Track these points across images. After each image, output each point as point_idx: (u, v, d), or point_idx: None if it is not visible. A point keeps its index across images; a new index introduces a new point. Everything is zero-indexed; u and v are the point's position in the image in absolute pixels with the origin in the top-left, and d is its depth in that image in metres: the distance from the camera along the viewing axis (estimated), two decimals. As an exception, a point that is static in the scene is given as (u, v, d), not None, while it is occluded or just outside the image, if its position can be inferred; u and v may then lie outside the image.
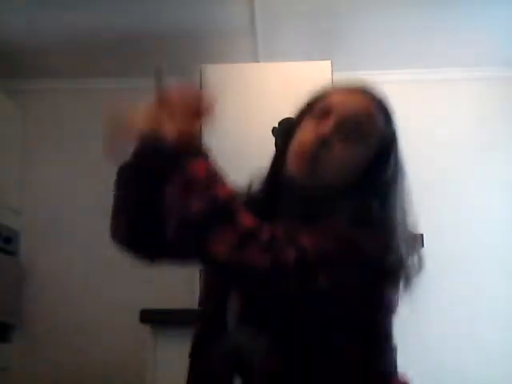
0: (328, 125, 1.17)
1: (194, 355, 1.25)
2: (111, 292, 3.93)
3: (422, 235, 2.33)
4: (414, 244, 1.18)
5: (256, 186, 1.29)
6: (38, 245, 4.05)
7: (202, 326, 1.28)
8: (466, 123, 4.04)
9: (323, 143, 1.15)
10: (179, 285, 3.78)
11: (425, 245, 2.40)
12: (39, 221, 4.09)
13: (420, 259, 1.18)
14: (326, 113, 1.19)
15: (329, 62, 3.19)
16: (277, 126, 2.79)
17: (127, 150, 1.18)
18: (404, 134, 1.24)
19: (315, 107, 1.22)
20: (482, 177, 3.97)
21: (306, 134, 1.19)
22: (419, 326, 3.46)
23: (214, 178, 1.08)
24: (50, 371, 3.83)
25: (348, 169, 1.18)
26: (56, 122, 4.25)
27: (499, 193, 3.95)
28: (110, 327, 3.88)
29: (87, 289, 3.96)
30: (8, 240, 3.83)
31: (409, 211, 1.19)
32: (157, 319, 2.04)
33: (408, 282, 1.17)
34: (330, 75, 3.15)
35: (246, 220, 1.05)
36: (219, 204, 1.04)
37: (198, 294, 3.56)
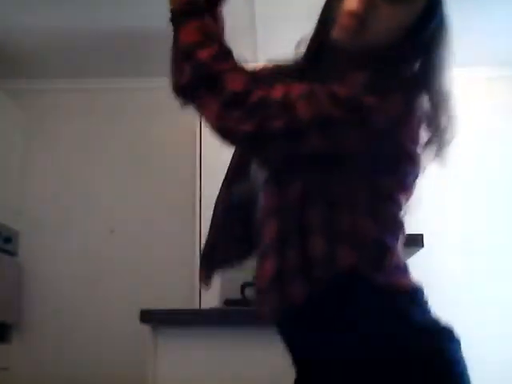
0: None
1: (215, 206, 1.32)
2: (111, 292, 3.93)
3: (421, 235, 2.33)
4: (449, 108, 1.17)
5: (300, 54, 1.31)
6: (38, 245, 4.05)
7: (226, 177, 1.33)
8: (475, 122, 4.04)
9: (370, 4, 1.15)
10: (179, 285, 3.78)
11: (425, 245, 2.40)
12: (39, 221, 4.09)
13: (452, 126, 1.18)
14: None
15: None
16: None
17: None
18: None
19: None
20: (486, 177, 3.97)
21: None
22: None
23: (201, 39, 1.12)
24: (50, 371, 3.83)
25: (394, 30, 1.17)
26: (56, 122, 4.25)
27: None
28: (110, 327, 3.88)
29: (87, 289, 3.96)
30: (8, 240, 3.83)
31: (449, 76, 1.19)
32: (157, 319, 2.04)
33: (440, 151, 1.18)
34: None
35: (234, 83, 1.08)
36: (203, 70, 1.09)
37: (197, 294, 3.55)
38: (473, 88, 4.05)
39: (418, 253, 2.39)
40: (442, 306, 4.14)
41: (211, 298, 2.60)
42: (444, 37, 1.19)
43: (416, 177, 1.18)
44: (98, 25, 3.62)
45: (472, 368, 1.09)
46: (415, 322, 1.08)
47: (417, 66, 1.17)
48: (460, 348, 1.10)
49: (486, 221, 3.92)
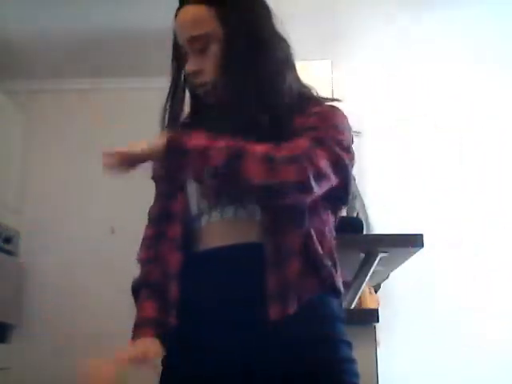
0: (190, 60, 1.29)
1: None
2: (111, 292, 3.92)
3: (421, 235, 2.32)
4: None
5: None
6: (38, 245, 4.05)
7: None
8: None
9: (194, 73, 1.29)
10: (179, 285, 3.78)
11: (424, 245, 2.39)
12: (39, 221, 4.09)
13: None
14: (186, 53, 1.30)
15: (329, 61, 3.19)
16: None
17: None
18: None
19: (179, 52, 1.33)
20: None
21: (189, 69, 1.29)
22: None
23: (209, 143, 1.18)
24: (50, 371, 3.83)
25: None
26: (56, 122, 4.25)
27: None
28: (110, 327, 3.87)
29: (87, 289, 3.96)
30: (8, 240, 3.84)
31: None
32: (157, 319, 2.04)
33: None
34: (330, 75, 3.14)
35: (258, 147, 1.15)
36: (230, 150, 1.15)
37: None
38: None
39: (418, 253, 2.39)
40: (443, 306, 4.11)
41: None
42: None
43: None
44: (97, 25, 3.63)
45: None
46: None
47: None
48: None
49: (486, 220, 3.91)
